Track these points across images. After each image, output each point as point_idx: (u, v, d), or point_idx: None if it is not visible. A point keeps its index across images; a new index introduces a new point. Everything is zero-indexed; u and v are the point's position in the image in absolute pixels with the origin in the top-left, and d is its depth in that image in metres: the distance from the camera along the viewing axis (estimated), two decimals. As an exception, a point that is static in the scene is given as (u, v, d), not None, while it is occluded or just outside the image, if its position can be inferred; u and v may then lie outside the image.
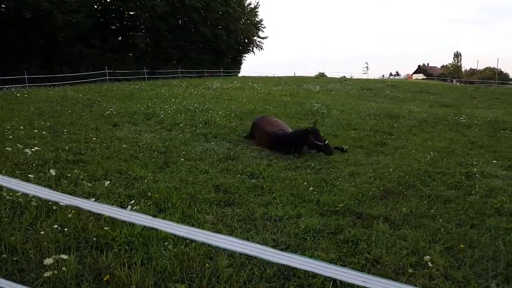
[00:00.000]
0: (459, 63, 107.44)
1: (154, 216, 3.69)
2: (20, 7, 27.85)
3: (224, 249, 3.16)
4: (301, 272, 3.04)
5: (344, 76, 55.40)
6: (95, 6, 38.82)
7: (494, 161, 7.53)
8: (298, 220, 4.24)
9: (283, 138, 7.73)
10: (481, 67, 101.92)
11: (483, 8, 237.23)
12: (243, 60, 62.32)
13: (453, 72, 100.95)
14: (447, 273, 3.24)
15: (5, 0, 29.77)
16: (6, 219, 3.70)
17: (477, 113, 15.55)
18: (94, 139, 7.92)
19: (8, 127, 8.61)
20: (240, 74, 56.48)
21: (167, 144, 7.84)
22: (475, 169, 6.75)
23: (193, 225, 3.90)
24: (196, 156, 6.96)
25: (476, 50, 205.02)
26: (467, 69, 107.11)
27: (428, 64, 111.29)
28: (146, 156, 6.78)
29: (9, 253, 3.10)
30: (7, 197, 4.10)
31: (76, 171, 5.50)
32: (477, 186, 5.73)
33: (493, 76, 79.95)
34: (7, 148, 6.34)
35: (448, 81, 73.85)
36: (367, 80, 46.03)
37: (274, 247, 3.56)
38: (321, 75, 66.20)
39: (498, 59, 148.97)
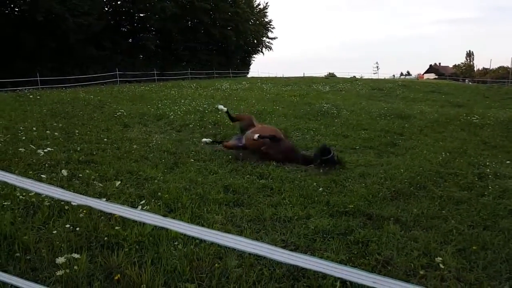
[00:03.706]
0: (471, 62, 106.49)
1: (164, 216, 3.71)
2: (33, 10, 28.24)
3: (234, 249, 3.16)
4: (311, 273, 3.02)
5: (354, 76, 54.94)
6: (106, 9, 39.28)
7: (508, 162, 7.42)
8: (307, 221, 4.22)
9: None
10: (494, 66, 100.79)
11: (495, 6, 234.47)
12: (252, 61, 62.62)
13: (465, 71, 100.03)
14: (459, 275, 3.20)
15: (18, 4, 30.24)
16: (19, 218, 3.74)
17: (490, 113, 15.34)
18: (105, 140, 7.99)
19: (21, 128, 8.72)
20: (249, 75, 56.59)
21: (177, 144, 7.88)
22: (488, 170, 6.66)
23: (202, 225, 3.91)
24: (206, 157, 6.98)
25: (489, 49, 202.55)
26: (480, 69, 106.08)
27: (439, 63, 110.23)
28: (156, 156, 6.82)
29: (22, 252, 3.14)
30: (20, 197, 4.17)
31: (87, 171, 5.56)
32: (490, 187, 5.66)
33: (506, 75, 78.79)
34: (20, 149, 6.44)
35: (460, 80, 73.07)
36: (377, 80, 45.67)
37: (283, 247, 3.54)
38: (331, 76, 65.77)
39: (511, 58, 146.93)
